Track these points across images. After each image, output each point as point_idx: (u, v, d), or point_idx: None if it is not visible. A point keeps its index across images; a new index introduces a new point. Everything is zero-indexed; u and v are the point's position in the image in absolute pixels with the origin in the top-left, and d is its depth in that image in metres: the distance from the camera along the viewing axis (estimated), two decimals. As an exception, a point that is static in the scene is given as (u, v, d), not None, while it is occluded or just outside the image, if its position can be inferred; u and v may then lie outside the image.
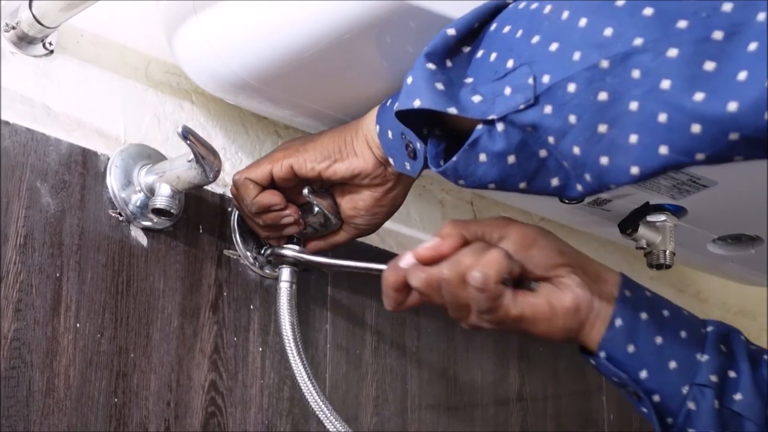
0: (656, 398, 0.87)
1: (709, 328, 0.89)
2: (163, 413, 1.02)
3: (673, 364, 0.87)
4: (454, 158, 0.84)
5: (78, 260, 1.00)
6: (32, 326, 0.96)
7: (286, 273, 1.10)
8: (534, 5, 0.82)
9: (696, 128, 0.71)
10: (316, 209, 1.06)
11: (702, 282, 1.57)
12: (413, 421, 1.22)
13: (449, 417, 1.25)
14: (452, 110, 0.82)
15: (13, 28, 1.01)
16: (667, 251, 1.16)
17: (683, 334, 0.88)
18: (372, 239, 1.21)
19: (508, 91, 0.80)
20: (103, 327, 1.00)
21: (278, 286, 1.10)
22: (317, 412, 1.06)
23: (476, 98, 0.82)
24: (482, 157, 0.83)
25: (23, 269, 0.96)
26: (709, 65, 0.70)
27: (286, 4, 0.94)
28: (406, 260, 0.89)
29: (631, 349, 0.87)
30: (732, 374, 0.87)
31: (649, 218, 1.15)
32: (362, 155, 1.00)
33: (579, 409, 1.39)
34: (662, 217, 1.15)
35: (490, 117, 0.81)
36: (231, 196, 1.09)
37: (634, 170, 0.76)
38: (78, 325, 0.98)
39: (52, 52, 1.04)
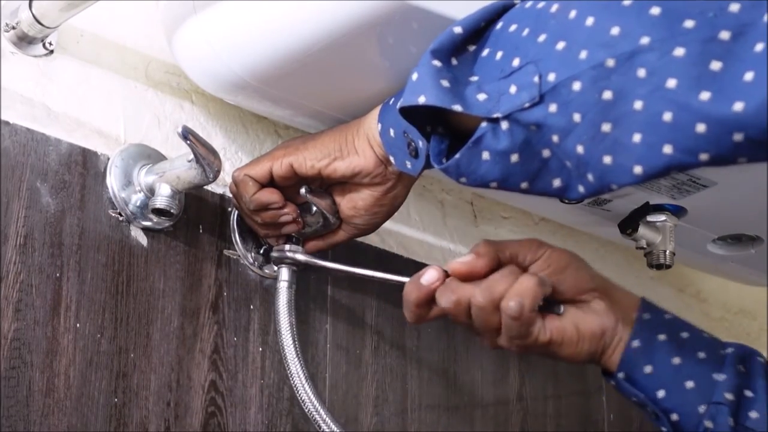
0: (674, 417, 0.89)
1: (729, 350, 0.91)
2: (163, 413, 1.02)
3: (690, 384, 0.88)
4: (457, 155, 0.84)
5: (78, 260, 1.00)
6: (32, 326, 0.96)
7: (285, 273, 1.10)
8: (541, 4, 0.82)
9: (701, 128, 0.72)
10: (315, 209, 1.06)
11: (702, 282, 1.57)
12: (413, 421, 1.22)
13: (449, 417, 1.25)
14: (457, 107, 0.82)
15: (13, 28, 1.01)
16: (667, 251, 1.16)
17: (701, 354, 0.90)
18: (372, 239, 1.21)
19: (513, 89, 0.80)
20: (103, 327, 1.00)
21: (277, 286, 1.10)
22: (313, 414, 1.06)
23: (481, 96, 0.82)
24: (485, 155, 0.83)
25: (23, 269, 0.96)
26: (716, 65, 0.71)
27: (286, 4, 0.94)
28: (429, 277, 0.90)
29: (648, 369, 0.89)
30: (748, 393, 0.89)
31: (649, 218, 1.15)
32: (363, 154, 1.00)
33: (579, 409, 1.39)
34: (662, 217, 1.15)
35: (495, 115, 0.81)
36: (231, 195, 1.09)
37: (637, 169, 0.76)
38: (78, 325, 0.98)
39: (52, 52, 1.04)
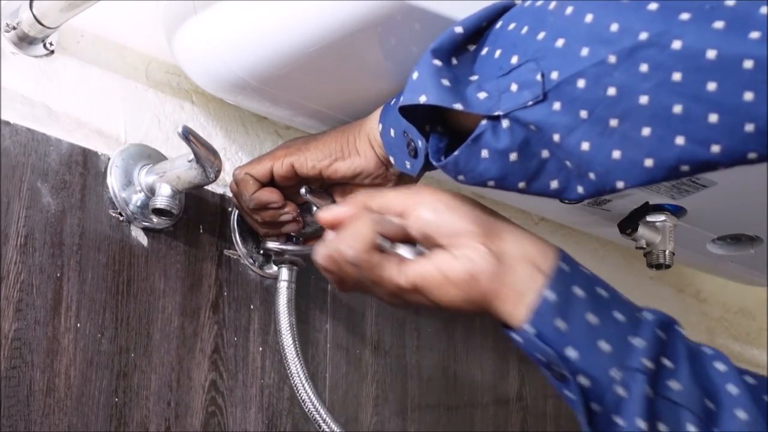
0: (583, 380, 0.81)
1: (647, 315, 0.84)
2: (164, 413, 1.03)
3: (604, 346, 0.81)
4: (456, 152, 0.84)
5: (78, 260, 1.00)
6: (33, 326, 0.96)
7: (285, 272, 1.10)
8: (539, 3, 0.82)
9: (713, 117, 0.72)
10: (315, 209, 1.06)
11: (702, 282, 1.57)
12: (413, 421, 1.22)
13: (449, 417, 1.26)
14: (458, 106, 0.82)
15: (14, 28, 1.01)
16: (667, 251, 1.16)
17: (619, 315, 0.82)
18: (372, 239, 1.21)
19: (514, 87, 0.80)
20: (104, 327, 1.00)
21: (277, 286, 1.10)
22: (313, 413, 1.06)
23: (482, 95, 0.82)
24: (484, 153, 0.83)
25: (24, 269, 0.96)
26: (711, 53, 0.71)
27: (286, 4, 0.94)
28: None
29: (561, 325, 0.81)
30: (668, 362, 0.81)
31: (649, 218, 1.15)
32: (364, 154, 1.00)
33: (579, 408, 1.39)
34: (662, 217, 1.15)
35: (496, 113, 0.81)
36: (231, 195, 1.09)
37: (648, 162, 0.76)
38: (78, 324, 0.99)
39: (52, 52, 1.04)
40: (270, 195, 1.05)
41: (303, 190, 1.03)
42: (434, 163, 0.88)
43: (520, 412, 1.32)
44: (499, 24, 0.85)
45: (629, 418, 0.79)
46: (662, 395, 0.80)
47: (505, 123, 0.81)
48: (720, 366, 0.83)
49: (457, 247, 0.83)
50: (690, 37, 0.72)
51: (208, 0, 0.99)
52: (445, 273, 0.82)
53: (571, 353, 0.80)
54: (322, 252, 0.85)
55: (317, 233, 1.09)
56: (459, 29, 0.85)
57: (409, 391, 1.23)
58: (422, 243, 0.84)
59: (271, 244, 1.10)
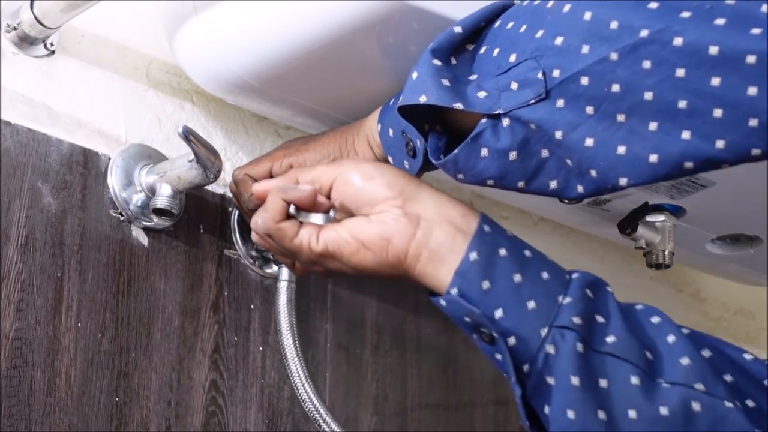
0: (512, 341, 0.79)
1: (574, 275, 0.83)
2: (164, 412, 1.03)
3: (531, 305, 0.79)
4: (456, 151, 0.84)
5: (79, 260, 1.00)
6: (33, 326, 0.96)
7: (285, 272, 1.10)
8: (537, 1, 0.83)
9: (718, 112, 0.72)
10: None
11: (701, 282, 1.57)
12: (413, 420, 1.22)
13: (449, 417, 1.26)
14: (458, 105, 0.82)
15: (15, 28, 1.01)
16: (666, 251, 1.16)
17: (545, 275, 0.81)
18: (372, 239, 1.21)
19: (515, 85, 0.81)
20: (104, 326, 1.00)
21: (277, 286, 1.10)
22: (313, 413, 1.06)
23: (481, 94, 0.82)
24: (484, 151, 0.83)
25: (24, 269, 0.96)
26: (713, 50, 0.71)
27: (286, 5, 0.95)
28: None
29: (486, 285, 0.80)
30: (600, 318, 0.80)
31: (648, 218, 1.15)
32: (363, 155, 1.00)
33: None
34: (661, 217, 1.15)
35: (497, 111, 0.81)
36: (231, 195, 1.09)
37: (653, 158, 0.76)
38: (79, 324, 0.99)
39: (53, 52, 1.04)
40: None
41: (303, 191, 1.04)
42: (433, 161, 0.88)
43: (519, 412, 1.32)
44: (497, 23, 0.86)
45: (561, 376, 0.78)
46: (597, 350, 0.78)
47: (505, 121, 0.81)
48: (655, 319, 0.81)
49: (376, 212, 0.83)
50: (691, 33, 0.73)
51: (208, 0, 0.99)
52: (358, 237, 0.83)
53: (498, 313, 0.79)
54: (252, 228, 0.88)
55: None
56: (458, 29, 0.86)
57: (409, 391, 1.23)
58: (343, 213, 0.85)
59: None
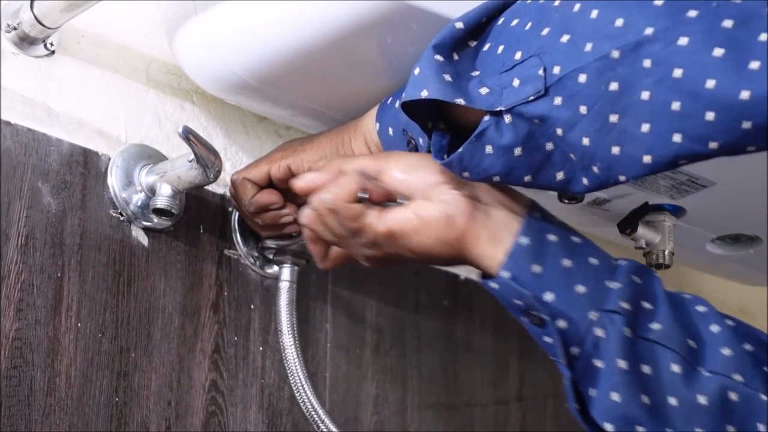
0: (561, 323, 0.82)
1: (621, 261, 0.85)
2: (164, 412, 1.03)
3: (581, 289, 0.82)
4: (460, 149, 0.84)
5: (79, 260, 1.00)
6: (33, 326, 0.96)
7: (286, 272, 1.10)
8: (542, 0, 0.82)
9: (710, 116, 0.72)
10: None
11: (702, 282, 1.57)
12: (413, 420, 1.22)
13: (449, 417, 1.26)
14: (460, 101, 0.82)
15: (15, 28, 1.01)
16: (667, 251, 1.16)
17: (593, 260, 0.84)
18: (372, 239, 1.21)
19: (516, 82, 0.80)
20: (104, 326, 1.00)
21: (279, 286, 1.10)
22: (312, 415, 1.06)
23: (484, 90, 0.82)
24: (488, 148, 0.83)
25: (24, 269, 0.96)
26: (718, 51, 0.71)
27: (286, 5, 0.95)
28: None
29: (537, 269, 0.83)
30: (647, 305, 0.82)
31: (649, 218, 1.15)
32: (360, 154, 1.00)
33: (579, 408, 1.39)
34: (661, 217, 1.15)
35: (498, 108, 0.81)
36: (230, 196, 1.10)
37: (647, 159, 0.76)
38: (79, 324, 0.99)
39: (53, 52, 1.04)
40: (270, 196, 1.05)
41: (305, 192, 1.04)
42: (438, 161, 0.88)
43: (520, 412, 1.33)
44: (500, 20, 0.85)
45: (609, 359, 0.80)
46: (643, 336, 0.80)
47: (507, 118, 0.81)
48: (701, 308, 0.83)
49: (433, 195, 0.86)
50: (698, 35, 0.72)
51: (208, 0, 0.99)
52: (422, 216, 0.85)
53: (548, 296, 0.82)
54: (305, 211, 0.89)
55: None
56: (460, 25, 0.85)
57: (409, 391, 1.23)
58: (399, 198, 0.87)
59: (272, 242, 1.11)
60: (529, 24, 0.82)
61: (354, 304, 1.20)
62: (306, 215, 0.90)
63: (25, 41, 1.02)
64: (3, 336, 0.94)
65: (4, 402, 0.93)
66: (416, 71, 0.85)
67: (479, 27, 0.86)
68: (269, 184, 1.05)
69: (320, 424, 1.06)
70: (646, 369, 0.80)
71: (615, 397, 0.80)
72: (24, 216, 0.97)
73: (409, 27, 0.92)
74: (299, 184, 0.90)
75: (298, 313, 1.10)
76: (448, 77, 0.83)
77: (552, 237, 0.84)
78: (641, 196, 1.13)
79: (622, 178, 0.78)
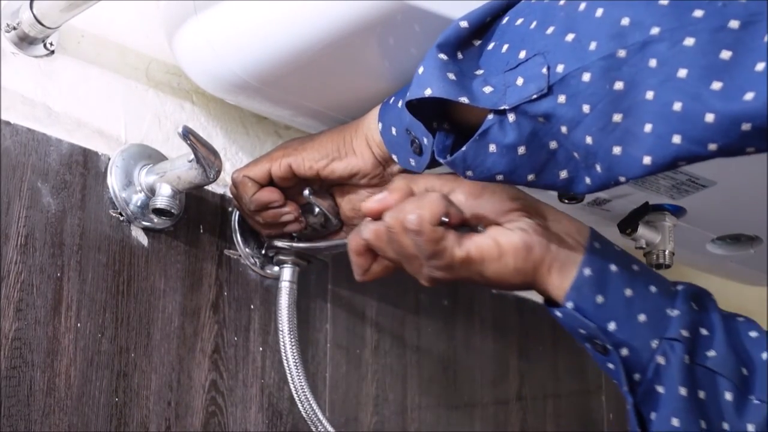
0: (624, 351, 0.85)
1: (680, 287, 0.88)
2: (164, 413, 1.03)
3: (642, 318, 0.85)
4: (464, 148, 0.84)
5: (79, 260, 1.00)
6: (33, 326, 0.96)
7: (287, 272, 1.10)
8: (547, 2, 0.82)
9: (710, 117, 0.72)
10: (317, 210, 1.06)
11: (702, 282, 1.56)
12: (413, 420, 1.22)
13: (449, 417, 1.26)
14: (464, 99, 0.82)
15: (14, 28, 1.01)
16: (667, 251, 1.16)
17: (653, 288, 0.86)
18: (372, 239, 1.21)
19: (520, 81, 0.80)
20: (104, 327, 1.00)
21: (279, 286, 1.10)
22: (311, 417, 1.06)
23: (487, 89, 0.82)
24: (492, 147, 0.82)
25: (24, 269, 0.96)
26: (726, 54, 0.71)
27: (286, 5, 0.94)
28: (364, 225, 0.90)
29: (599, 299, 0.85)
30: (704, 331, 0.85)
31: (649, 218, 1.15)
32: (361, 154, 1.00)
33: (579, 408, 1.39)
34: (662, 217, 1.15)
35: (502, 107, 0.81)
36: (231, 195, 1.09)
37: (647, 160, 0.76)
38: (79, 324, 0.99)
39: (53, 52, 1.04)
40: (271, 195, 1.05)
41: (306, 192, 1.03)
42: (441, 160, 0.88)
43: (520, 412, 1.32)
44: (505, 19, 0.85)
45: (670, 385, 0.83)
46: (700, 363, 0.84)
47: (511, 117, 0.81)
48: (753, 333, 0.86)
49: (507, 222, 0.87)
50: (704, 35, 0.72)
51: (208, 0, 0.99)
52: (502, 244, 0.86)
53: (611, 326, 0.84)
54: (369, 226, 0.88)
55: (319, 234, 1.10)
56: (464, 24, 0.85)
57: (409, 391, 1.23)
58: (472, 223, 0.88)
59: (280, 243, 1.10)
60: (534, 23, 0.82)
61: (354, 304, 1.20)
62: (371, 231, 0.89)
63: (25, 41, 1.02)
64: (3, 336, 0.94)
65: (4, 402, 0.92)
66: (420, 70, 0.85)
67: (484, 26, 0.86)
68: (270, 182, 1.05)
69: (319, 426, 1.06)
70: (702, 395, 0.83)
71: (675, 422, 0.83)
72: (23, 216, 0.97)
73: (409, 27, 0.92)
74: (371, 206, 0.89)
75: (298, 313, 1.10)
76: (452, 76, 0.83)
77: (613, 267, 0.86)
78: (641, 196, 1.13)
79: (622, 178, 0.79)
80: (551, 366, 1.37)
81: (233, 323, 1.10)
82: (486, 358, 1.31)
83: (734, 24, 0.71)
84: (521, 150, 0.82)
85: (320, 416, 1.06)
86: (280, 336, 1.08)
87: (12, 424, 0.92)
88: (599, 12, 0.77)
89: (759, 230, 1.17)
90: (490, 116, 0.82)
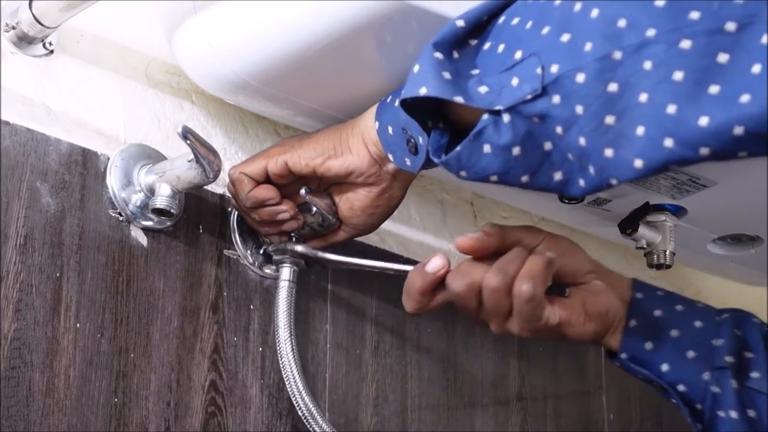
0: (681, 388, 0.91)
1: (724, 316, 0.94)
2: (163, 413, 1.02)
3: (691, 354, 0.91)
4: (458, 148, 0.84)
5: (78, 260, 1.00)
6: (32, 326, 0.96)
7: (286, 272, 1.10)
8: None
9: (704, 121, 0.72)
10: (314, 209, 1.06)
11: (702, 282, 1.57)
12: (413, 421, 1.22)
13: (449, 417, 1.25)
14: (458, 99, 0.82)
15: (14, 28, 1.01)
16: (667, 251, 1.16)
17: (698, 324, 0.92)
18: (372, 239, 1.21)
19: (515, 81, 0.80)
20: (103, 327, 1.00)
21: (278, 285, 1.10)
22: (310, 417, 1.06)
23: (483, 89, 0.82)
24: (486, 148, 0.82)
25: (23, 269, 0.96)
26: (723, 57, 0.71)
27: (286, 5, 0.94)
28: (435, 264, 0.91)
29: (649, 346, 0.92)
30: (748, 354, 0.92)
31: (649, 218, 1.15)
32: (357, 153, 1.00)
33: (579, 409, 1.39)
34: (662, 217, 1.15)
35: (497, 107, 0.81)
36: (228, 193, 1.09)
37: (638, 163, 0.76)
38: (78, 325, 0.99)
39: (52, 52, 1.04)
40: (267, 192, 1.05)
41: (303, 191, 1.03)
42: (435, 160, 0.87)
43: (520, 412, 1.32)
44: (501, 19, 0.85)
45: (726, 410, 0.90)
46: (746, 385, 0.90)
47: (506, 117, 0.81)
48: None
49: (585, 284, 0.93)
50: (701, 38, 0.72)
51: (208, 0, 0.99)
52: (589, 311, 0.92)
53: (665, 367, 0.92)
54: (463, 282, 0.90)
55: (316, 234, 1.09)
56: (460, 23, 0.85)
57: (409, 391, 1.23)
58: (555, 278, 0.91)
59: (300, 247, 1.09)
60: (530, 23, 0.81)
61: (354, 304, 1.20)
62: (465, 286, 0.90)
63: (24, 41, 1.02)
64: (2, 336, 0.93)
65: (3, 403, 0.92)
66: (415, 68, 0.84)
67: (480, 25, 0.86)
68: (266, 179, 1.05)
69: (318, 427, 1.06)
70: (751, 414, 0.90)
71: None
72: (23, 216, 0.97)
73: (408, 27, 0.92)
74: (465, 243, 0.90)
75: (298, 313, 1.10)
76: (447, 75, 0.83)
77: (657, 312, 0.93)
78: (642, 195, 1.13)
79: (614, 181, 0.79)
80: (551, 366, 1.37)
81: (233, 323, 1.09)
82: (486, 358, 1.31)
83: (731, 26, 0.70)
84: (516, 151, 0.82)
85: (320, 417, 1.06)
86: (280, 336, 1.08)
87: (11, 424, 0.92)
88: (595, 12, 0.77)
89: (759, 230, 1.17)
90: (485, 116, 0.82)
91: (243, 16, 0.98)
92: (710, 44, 0.71)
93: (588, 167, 0.80)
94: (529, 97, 0.79)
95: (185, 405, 1.04)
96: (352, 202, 1.05)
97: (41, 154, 1.00)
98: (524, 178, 0.84)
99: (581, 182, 0.82)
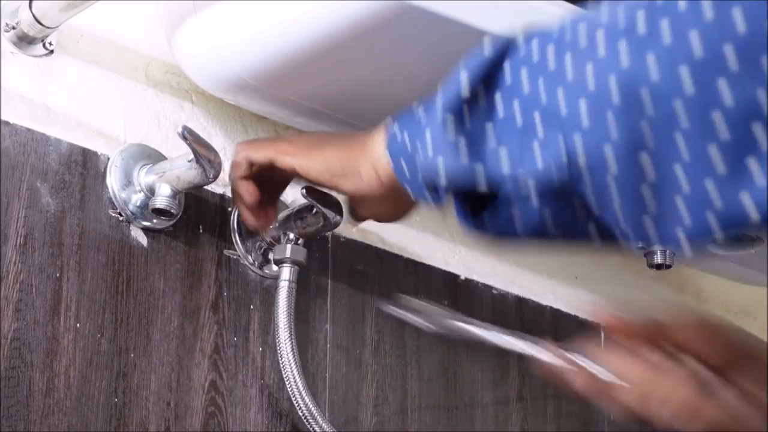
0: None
1: None
2: (163, 413, 1.02)
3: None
4: (485, 217, 0.83)
5: (78, 260, 1.00)
6: (32, 326, 0.96)
7: (286, 272, 1.10)
8: (552, 63, 0.78)
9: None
10: (315, 209, 1.06)
11: (702, 282, 1.57)
12: (413, 421, 1.22)
13: (449, 417, 1.25)
14: (479, 167, 0.80)
15: (13, 28, 1.01)
16: (667, 251, 1.16)
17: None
18: (372, 239, 1.21)
19: (536, 147, 0.77)
20: (103, 327, 1.00)
21: (278, 285, 1.09)
22: (310, 417, 1.06)
23: (503, 153, 0.79)
24: (514, 213, 0.82)
25: (23, 269, 0.96)
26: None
27: (286, 5, 0.94)
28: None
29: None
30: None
31: (649, 218, 1.15)
32: (368, 179, 0.94)
33: (579, 409, 1.39)
34: (662, 217, 1.15)
35: (519, 174, 0.79)
36: (230, 195, 1.09)
37: (680, 234, 0.73)
38: (78, 325, 0.98)
39: (52, 52, 1.04)
40: (248, 195, 1.02)
41: (302, 192, 1.03)
42: (464, 232, 0.86)
43: (520, 412, 1.32)
44: (509, 78, 0.81)
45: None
46: None
47: (531, 182, 0.79)
48: None
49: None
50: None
51: (208, 0, 0.99)
52: None
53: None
54: (588, 385, 0.81)
55: (317, 234, 1.09)
56: (464, 79, 0.82)
57: (409, 391, 1.23)
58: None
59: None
60: (541, 80, 0.78)
61: (354, 304, 1.20)
62: (588, 389, 0.81)
63: (24, 41, 1.02)
64: (2, 336, 0.93)
65: (3, 403, 0.92)
66: (427, 134, 0.83)
67: (487, 79, 0.82)
68: (269, 169, 1.02)
69: (318, 427, 1.06)
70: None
71: None
72: (23, 216, 0.97)
73: (409, 27, 0.92)
74: (612, 322, 0.81)
75: (298, 313, 1.10)
76: (462, 142, 0.81)
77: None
78: (642, 196, 1.13)
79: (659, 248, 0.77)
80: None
81: (233, 323, 1.09)
82: (486, 358, 1.31)
83: (762, 94, 0.67)
84: (546, 213, 0.80)
85: (320, 417, 1.06)
86: (280, 336, 1.08)
87: (11, 424, 0.92)
88: (612, 82, 0.72)
89: (759, 230, 1.17)
90: (509, 183, 0.80)
91: (243, 15, 0.98)
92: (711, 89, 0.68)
93: (625, 229, 0.78)
94: (553, 166, 0.76)
95: (185, 405, 1.04)
96: (371, 206, 1.00)
97: (41, 154, 1.00)
98: (558, 234, 0.82)
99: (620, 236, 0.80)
